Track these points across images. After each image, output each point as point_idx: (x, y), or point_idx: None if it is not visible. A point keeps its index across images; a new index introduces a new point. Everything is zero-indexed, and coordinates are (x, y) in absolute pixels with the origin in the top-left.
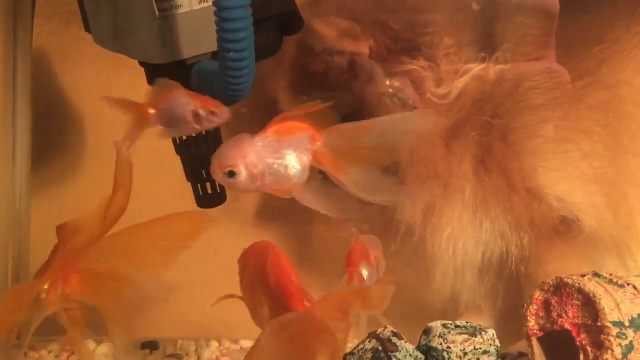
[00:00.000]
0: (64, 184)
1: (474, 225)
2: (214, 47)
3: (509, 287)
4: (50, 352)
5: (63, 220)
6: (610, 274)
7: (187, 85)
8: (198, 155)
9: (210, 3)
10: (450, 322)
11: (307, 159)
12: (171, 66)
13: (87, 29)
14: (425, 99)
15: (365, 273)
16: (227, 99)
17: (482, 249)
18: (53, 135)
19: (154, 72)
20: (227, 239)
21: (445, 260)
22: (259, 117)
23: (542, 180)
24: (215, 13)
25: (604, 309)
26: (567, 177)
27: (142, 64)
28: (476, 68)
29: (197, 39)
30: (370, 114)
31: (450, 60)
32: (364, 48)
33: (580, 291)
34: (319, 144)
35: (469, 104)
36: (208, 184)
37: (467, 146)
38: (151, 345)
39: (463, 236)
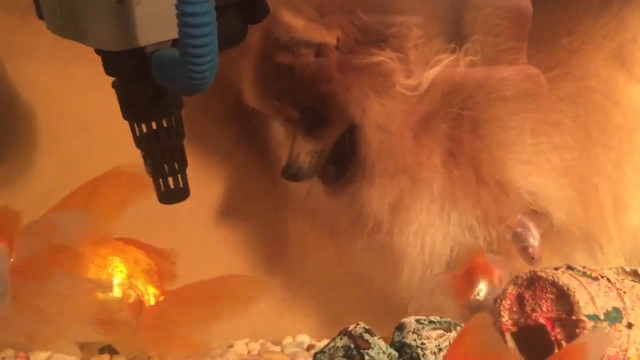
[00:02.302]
0: (16, 183)
1: (441, 219)
2: (175, 34)
3: None
4: (3, 358)
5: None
6: (584, 267)
7: (147, 74)
8: (159, 148)
9: None
10: (424, 317)
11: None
12: (129, 54)
13: (40, 14)
14: (394, 91)
15: (482, 289)
16: (189, 89)
17: (450, 243)
18: (5, 132)
19: (111, 61)
20: (190, 238)
21: (413, 255)
22: (224, 109)
23: (513, 173)
24: None
25: (578, 302)
26: (538, 170)
27: (98, 52)
28: (446, 59)
29: (157, 25)
30: (337, 106)
31: (419, 51)
32: (331, 39)
33: (554, 284)
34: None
35: (439, 96)
36: (170, 179)
37: (437, 138)
38: (110, 350)
39: (431, 230)
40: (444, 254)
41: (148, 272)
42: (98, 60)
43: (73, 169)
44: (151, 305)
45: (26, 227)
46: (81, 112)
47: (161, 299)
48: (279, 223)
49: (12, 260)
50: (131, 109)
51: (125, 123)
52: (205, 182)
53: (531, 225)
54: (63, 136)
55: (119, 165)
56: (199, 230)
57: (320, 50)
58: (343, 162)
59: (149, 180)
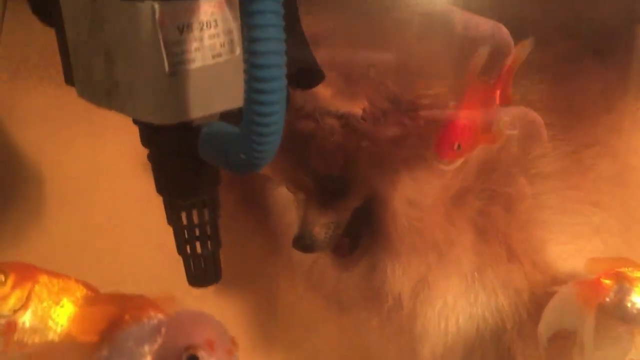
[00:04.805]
0: (23, 243)
1: (468, 299)
2: (224, 106)
3: None
4: None
5: None
6: None
7: (191, 148)
8: (193, 226)
9: (224, 57)
10: None
11: None
12: (173, 126)
13: (69, 80)
14: (428, 165)
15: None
16: (248, 165)
17: (477, 324)
18: (11, 196)
19: (151, 133)
20: (187, 307)
21: (435, 335)
22: (224, 171)
23: (551, 254)
24: (245, 59)
25: None
26: (577, 252)
27: (136, 122)
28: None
29: (208, 97)
30: (360, 178)
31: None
32: (357, 108)
33: None
34: None
35: (474, 171)
36: (202, 259)
37: (469, 215)
38: None
39: (456, 310)
40: (469, 335)
41: None
42: (100, 123)
43: (79, 229)
44: None
45: None
46: (85, 175)
47: None
48: (281, 294)
49: None
50: (167, 184)
51: (127, 186)
52: None
53: None
54: (69, 198)
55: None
56: (197, 299)
57: (346, 120)
58: (358, 234)
59: None
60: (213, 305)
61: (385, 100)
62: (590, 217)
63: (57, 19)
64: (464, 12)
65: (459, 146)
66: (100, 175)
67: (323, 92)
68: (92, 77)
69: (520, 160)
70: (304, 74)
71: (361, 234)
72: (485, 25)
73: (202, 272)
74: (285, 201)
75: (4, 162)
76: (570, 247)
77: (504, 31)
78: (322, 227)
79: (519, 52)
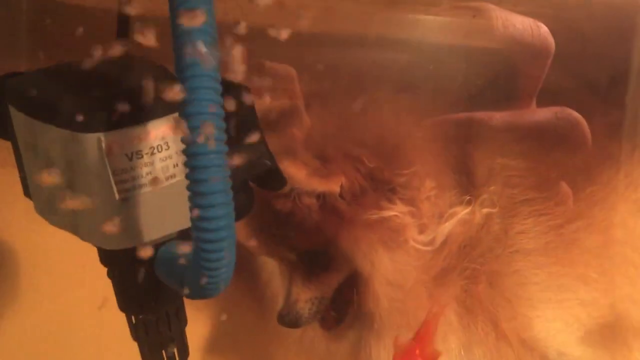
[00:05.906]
0: None
1: None
2: (180, 225)
3: None
4: None
5: None
6: None
7: (149, 270)
8: (158, 340)
9: (177, 178)
10: None
11: None
12: (131, 249)
13: (27, 193)
14: (407, 246)
15: None
16: (200, 294)
17: None
18: None
19: (108, 253)
20: None
21: None
22: None
23: (540, 332)
24: (188, 187)
25: None
26: (566, 328)
27: None
28: (461, 211)
29: (162, 218)
30: (342, 256)
31: (432, 204)
32: (334, 186)
33: None
34: None
35: (455, 250)
36: None
37: (453, 294)
38: None
39: None
40: None
41: None
42: None
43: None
44: None
45: None
46: (64, 262)
47: None
48: (275, 350)
49: None
50: (128, 302)
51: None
52: (189, 318)
53: None
54: (45, 289)
55: None
56: None
57: (324, 199)
58: (344, 308)
59: None
60: None
61: (363, 177)
62: (577, 292)
63: (12, 135)
64: (501, 10)
65: None
66: (81, 262)
67: (297, 173)
68: (45, 197)
69: (502, 237)
70: (266, 179)
71: (347, 308)
72: (524, 23)
73: None
74: (270, 268)
75: None
76: (557, 323)
77: (544, 29)
78: (306, 303)
79: (436, 309)
